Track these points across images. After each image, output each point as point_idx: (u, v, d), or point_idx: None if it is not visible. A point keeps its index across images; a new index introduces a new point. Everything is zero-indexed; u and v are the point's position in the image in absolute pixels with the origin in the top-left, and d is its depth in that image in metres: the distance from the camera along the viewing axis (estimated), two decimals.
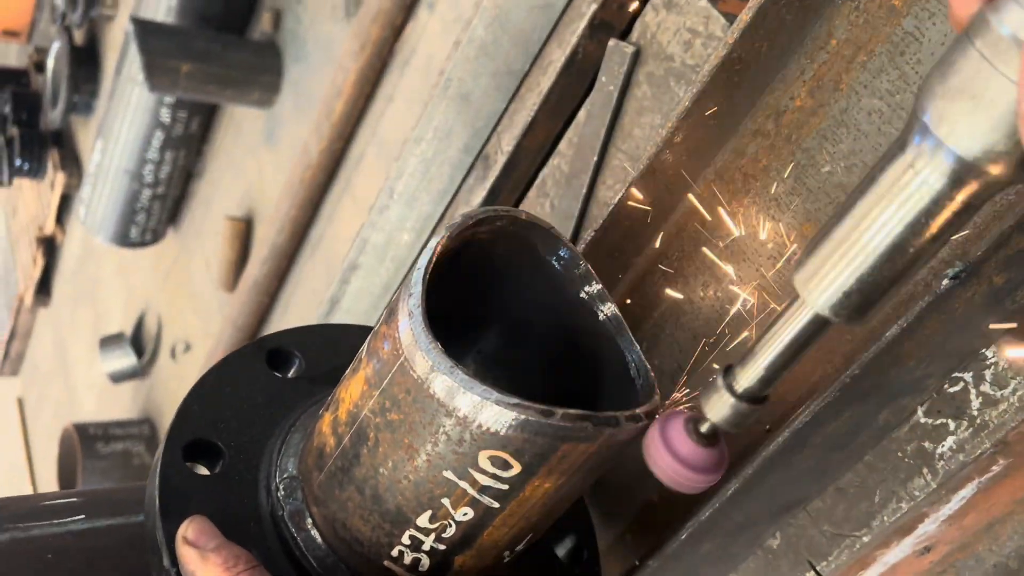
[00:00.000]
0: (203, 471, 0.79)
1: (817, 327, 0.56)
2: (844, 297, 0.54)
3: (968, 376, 0.77)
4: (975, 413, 0.77)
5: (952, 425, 0.78)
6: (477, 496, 0.66)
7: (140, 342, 4.86)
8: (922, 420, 0.80)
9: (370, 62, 3.11)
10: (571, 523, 0.90)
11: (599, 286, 0.75)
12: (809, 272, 0.55)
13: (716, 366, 0.91)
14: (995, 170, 0.46)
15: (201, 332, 4.17)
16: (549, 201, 1.08)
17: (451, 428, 0.63)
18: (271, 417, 0.82)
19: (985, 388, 0.76)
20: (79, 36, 5.17)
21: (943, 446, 0.79)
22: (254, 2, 3.79)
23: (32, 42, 6.39)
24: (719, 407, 0.61)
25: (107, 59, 4.95)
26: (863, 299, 0.53)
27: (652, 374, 0.72)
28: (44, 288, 6.21)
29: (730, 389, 0.60)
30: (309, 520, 0.75)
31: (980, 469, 0.79)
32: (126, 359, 4.78)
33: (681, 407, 0.64)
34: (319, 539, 0.74)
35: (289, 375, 0.87)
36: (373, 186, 3.25)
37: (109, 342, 4.85)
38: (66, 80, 4.99)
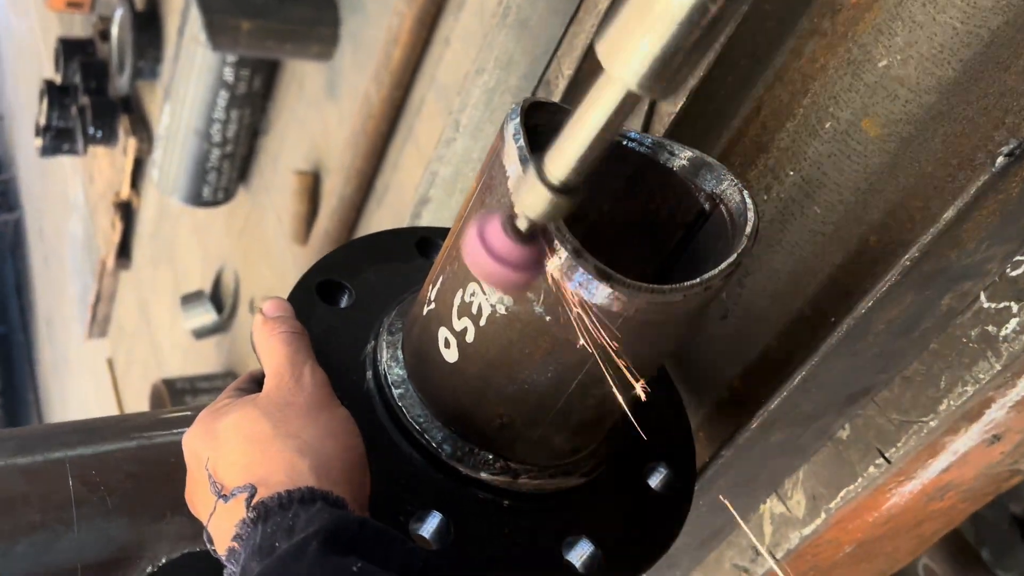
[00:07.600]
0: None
1: (626, 102, 0.51)
2: (652, 66, 0.47)
3: None
4: None
5: (1015, 308, 0.80)
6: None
7: (219, 298, 5.01)
8: (985, 305, 0.82)
9: (425, 6, 3.13)
10: (669, 451, 0.88)
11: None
12: (613, 42, 0.49)
13: None
14: None
15: (278, 285, 4.29)
16: None
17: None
18: (407, 287, 0.88)
19: None
20: (140, 1, 5.28)
21: (1007, 328, 0.81)
22: None
23: (95, 11, 6.53)
24: (532, 200, 0.58)
25: (168, 22, 5.05)
26: (668, 67, 0.48)
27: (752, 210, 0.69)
28: (124, 251, 6.43)
29: (542, 179, 0.56)
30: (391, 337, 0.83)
31: None
32: (207, 315, 4.94)
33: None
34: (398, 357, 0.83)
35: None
36: (435, 132, 3.28)
37: (190, 299, 5.01)
38: (131, 46, 5.09)
